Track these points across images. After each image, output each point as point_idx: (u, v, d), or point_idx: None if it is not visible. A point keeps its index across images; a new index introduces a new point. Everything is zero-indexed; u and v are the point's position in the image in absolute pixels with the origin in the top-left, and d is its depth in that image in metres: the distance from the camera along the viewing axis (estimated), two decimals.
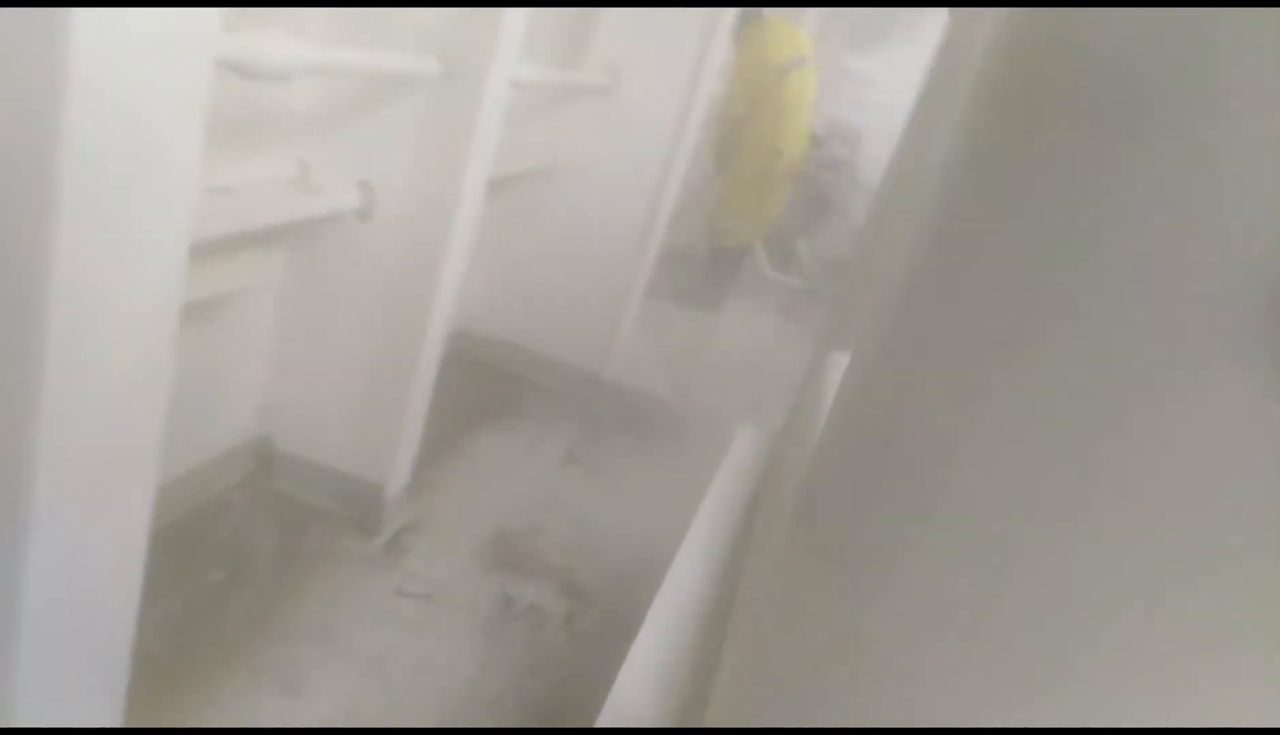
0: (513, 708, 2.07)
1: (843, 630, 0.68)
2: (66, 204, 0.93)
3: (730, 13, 3.50)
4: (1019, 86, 0.63)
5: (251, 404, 2.43)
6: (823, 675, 0.70)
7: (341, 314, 2.33)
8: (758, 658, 0.80)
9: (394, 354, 2.34)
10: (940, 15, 2.17)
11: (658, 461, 3.48)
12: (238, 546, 2.26)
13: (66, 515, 1.09)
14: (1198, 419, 0.56)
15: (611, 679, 1.08)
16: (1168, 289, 0.56)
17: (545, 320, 3.68)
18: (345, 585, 2.26)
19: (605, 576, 2.68)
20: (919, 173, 1.66)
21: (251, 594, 2.12)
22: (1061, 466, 0.61)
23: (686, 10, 3.31)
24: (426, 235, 2.24)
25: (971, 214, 0.67)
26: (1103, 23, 0.57)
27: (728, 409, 4.00)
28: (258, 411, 2.45)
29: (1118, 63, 0.56)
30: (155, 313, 1.13)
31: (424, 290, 2.29)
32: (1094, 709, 0.62)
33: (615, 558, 2.79)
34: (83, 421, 1.07)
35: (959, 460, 0.65)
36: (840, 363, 1.88)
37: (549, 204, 3.53)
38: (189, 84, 1.06)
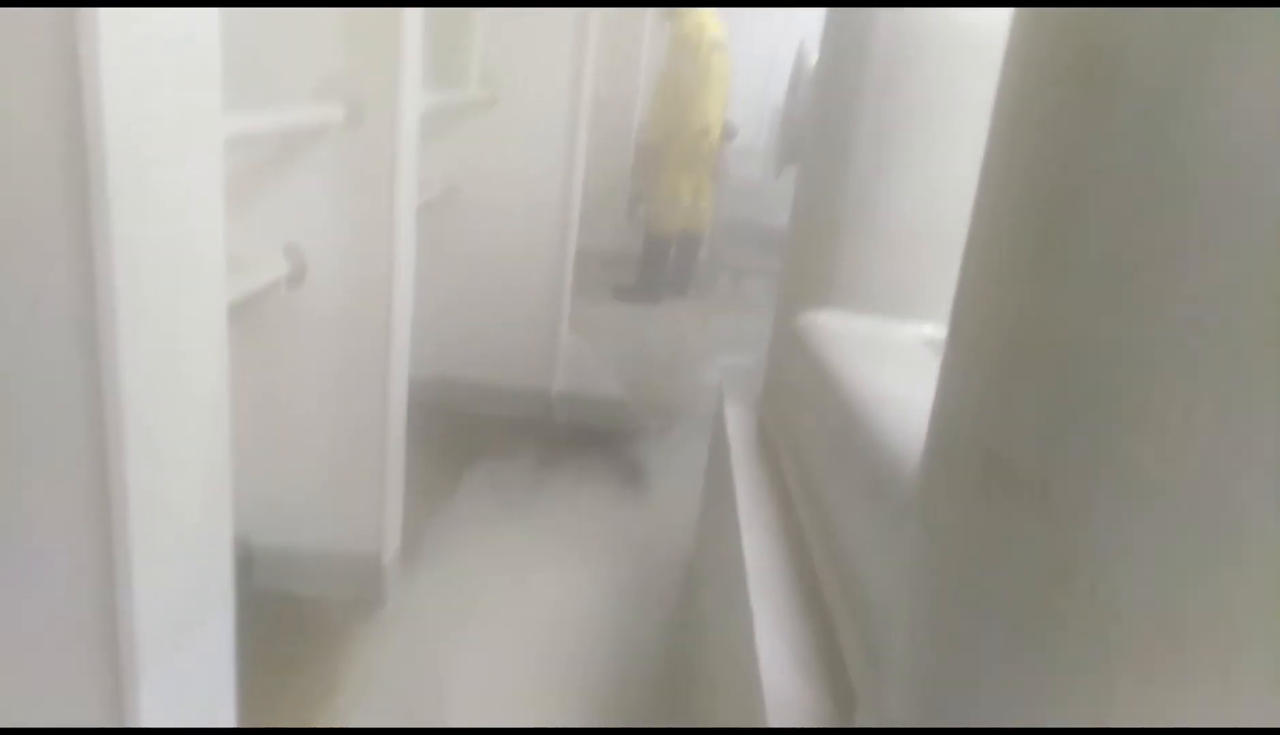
0: None
1: (1058, 560, 0.68)
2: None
3: (596, 11, 3.44)
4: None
5: None
6: (1045, 601, 0.69)
7: (294, 389, 2.19)
8: (944, 602, 0.78)
9: (360, 416, 2.22)
10: None
11: (624, 461, 3.44)
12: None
13: (164, 654, 1.12)
14: None
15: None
16: None
17: (481, 348, 3.58)
18: (365, 664, 2.13)
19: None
20: None
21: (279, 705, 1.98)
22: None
23: (550, 10, 3.26)
24: (367, 286, 2.13)
25: None
26: None
27: (678, 398, 3.99)
28: None
29: None
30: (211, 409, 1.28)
31: (376, 343, 2.18)
32: None
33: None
34: (166, 559, 1.11)
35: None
36: (819, 322, 1.87)
37: (458, 229, 3.43)
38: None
